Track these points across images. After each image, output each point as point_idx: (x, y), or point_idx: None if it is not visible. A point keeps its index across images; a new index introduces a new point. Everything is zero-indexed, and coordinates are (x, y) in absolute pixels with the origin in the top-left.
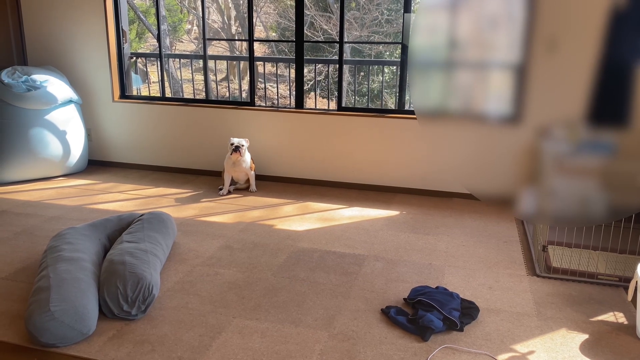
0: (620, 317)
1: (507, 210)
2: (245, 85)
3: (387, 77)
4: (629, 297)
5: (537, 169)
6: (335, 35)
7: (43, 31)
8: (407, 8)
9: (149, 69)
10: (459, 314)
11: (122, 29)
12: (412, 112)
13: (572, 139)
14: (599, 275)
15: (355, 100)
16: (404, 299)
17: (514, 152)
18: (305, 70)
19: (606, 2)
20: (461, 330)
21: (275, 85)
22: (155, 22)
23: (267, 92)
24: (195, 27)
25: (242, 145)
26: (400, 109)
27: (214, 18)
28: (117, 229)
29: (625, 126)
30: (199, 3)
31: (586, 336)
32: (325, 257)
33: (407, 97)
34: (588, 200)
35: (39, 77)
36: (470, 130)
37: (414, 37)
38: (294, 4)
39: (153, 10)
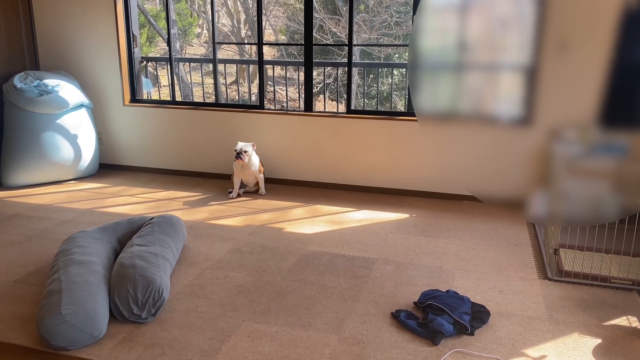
0: (633, 321)
1: (517, 213)
2: (255, 89)
3: (396, 80)
4: None
5: (549, 171)
6: (344, 38)
7: (55, 36)
8: (416, 10)
9: (159, 73)
10: (469, 317)
11: (132, 33)
12: None
13: (583, 141)
14: (611, 278)
15: (364, 103)
16: (414, 302)
17: (525, 155)
18: (315, 73)
19: (618, 2)
20: (472, 334)
21: (284, 88)
22: (166, 26)
23: (276, 95)
24: (205, 31)
25: (245, 152)
26: (410, 112)
27: (223, 22)
28: (127, 232)
29: (638, 127)
30: (208, 7)
31: (599, 341)
32: (335, 261)
33: None
34: (600, 201)
35: (50, 82)
36: (480, 133)
37: (416, 39)
38: (303, 7)
39: (163, 15)
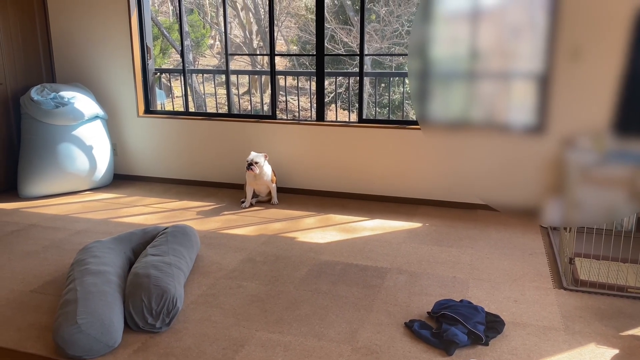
0: None
1: (530, 221)
2: (267, 99)
3: (408, 89)
4: None
5: (563, 179)
6: (355, 47)
7: (70, 49)
8: (424, 19)
9: (172, 84)
10: (484, 327)
11: (146, 45)
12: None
13: (598, 149)
14: (628, 288)
15: (376, 112)
16: (428, 312)
17: (538, 163)
18: (326, 82)
19: (631, 8)
20: (486, 344)
21: (296, 98)
22: (179, 37)
23: (288, 105)
24: (217, 42)
25: (257, 163)
26: None
27: (235, 33)
28: (141, 242)
29: None
30: (221, 19)
31: (616, 351)
32: (348, 270)
33: None
34: (615, 209)
35: (66, 94)
36: (492, 142)
37: (422, 48)
38: (315, 17)
39: (176, 26)
